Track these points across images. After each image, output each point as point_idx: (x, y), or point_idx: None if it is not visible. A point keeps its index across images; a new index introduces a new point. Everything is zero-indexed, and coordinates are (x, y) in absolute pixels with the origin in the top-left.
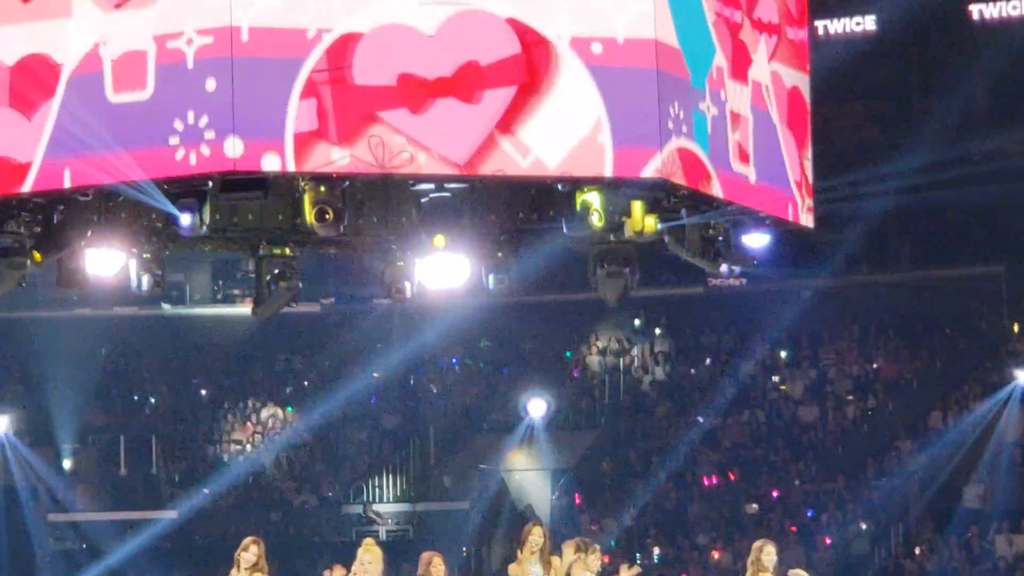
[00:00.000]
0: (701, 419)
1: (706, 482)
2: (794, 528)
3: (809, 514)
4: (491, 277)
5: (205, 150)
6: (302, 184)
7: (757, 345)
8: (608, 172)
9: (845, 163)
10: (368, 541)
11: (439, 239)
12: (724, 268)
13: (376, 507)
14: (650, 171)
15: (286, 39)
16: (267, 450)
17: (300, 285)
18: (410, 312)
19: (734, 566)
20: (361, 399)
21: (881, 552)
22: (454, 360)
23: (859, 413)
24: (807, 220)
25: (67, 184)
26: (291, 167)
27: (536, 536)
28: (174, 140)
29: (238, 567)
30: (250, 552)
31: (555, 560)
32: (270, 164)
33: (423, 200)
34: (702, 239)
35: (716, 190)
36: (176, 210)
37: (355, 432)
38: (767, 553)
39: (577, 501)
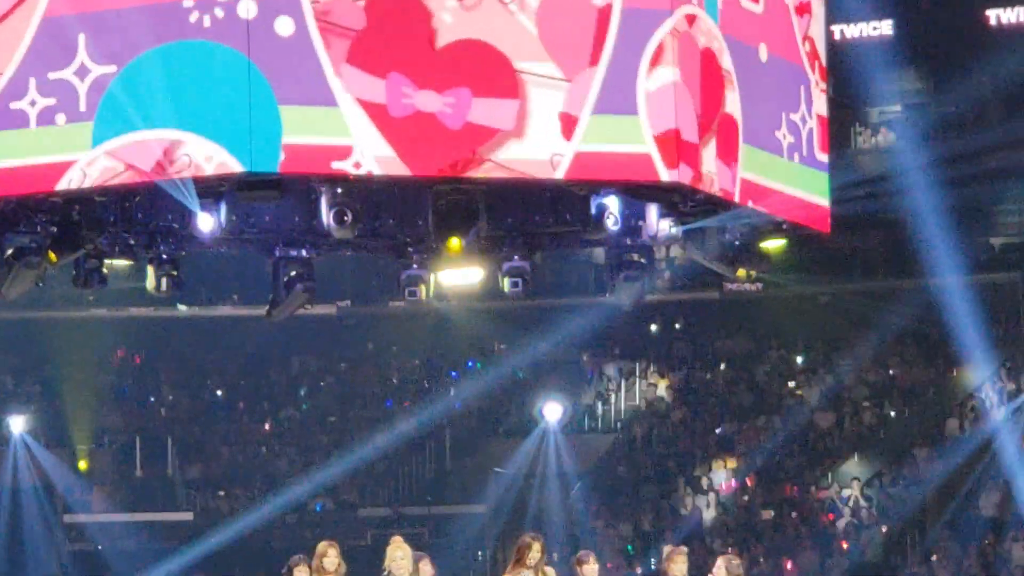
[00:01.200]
0: (718, 428)
1: (722, 488)
2: (809, 534)
3: (824, 520)
4: (506, 280)
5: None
6: (318, 185)
7: (773, 351)
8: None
9: (861, 167)
10: (397, 538)
11: (454, 243)
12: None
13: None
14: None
15: None
16: (285, 452)
17: (315, 287)
18: (425, 314)
19: (749, 572)
20: (376, 403)
21: (896, 560)
22: (469, 363)
23: (875, 419)
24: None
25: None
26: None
27: (535, 552)
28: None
29: (320, 573)
30: (330, 557)
31: (549, 571)
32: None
33: (439, 202)
34: (719, 244)
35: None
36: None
37: (371, 435)
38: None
39: (592, 506)
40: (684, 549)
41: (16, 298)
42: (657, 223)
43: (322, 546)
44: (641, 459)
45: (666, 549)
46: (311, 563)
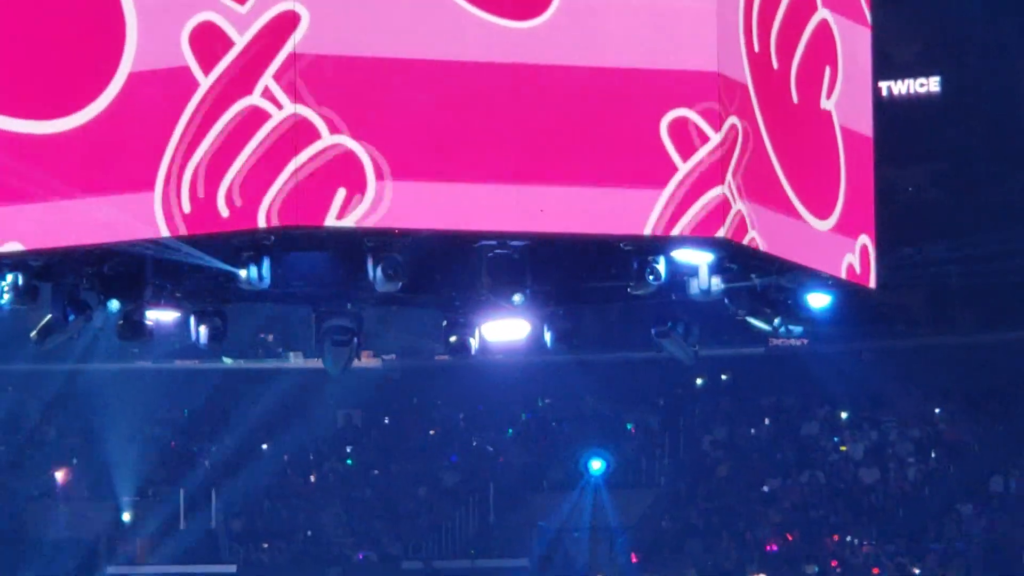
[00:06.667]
0: (763, 482)
1: (766, 543)
2: None
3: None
4: (551, 334)
5: None
6: (365, 239)
7: (818, 406)
8: None
9: (908, 225)
10: None
11: (517, 297)
12: (783, 329)
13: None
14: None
15: None
16: (326, 505)
17: (360, 341)
18: (470, 368)
19: None
20: (420, 456)
21: None
22: (514, 417)
23: (920, 476)
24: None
25: None
26: None
27: None
28: None
29: None
30: None
31: None
32: None
33: (487, 256)
34: (764, 299)
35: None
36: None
37: (414, 488)
38: None
39: (635, 560)
40: None
41: (56, 350)
42: (709, 278)
43: None
44: (685, 514)
45: None
46: None
